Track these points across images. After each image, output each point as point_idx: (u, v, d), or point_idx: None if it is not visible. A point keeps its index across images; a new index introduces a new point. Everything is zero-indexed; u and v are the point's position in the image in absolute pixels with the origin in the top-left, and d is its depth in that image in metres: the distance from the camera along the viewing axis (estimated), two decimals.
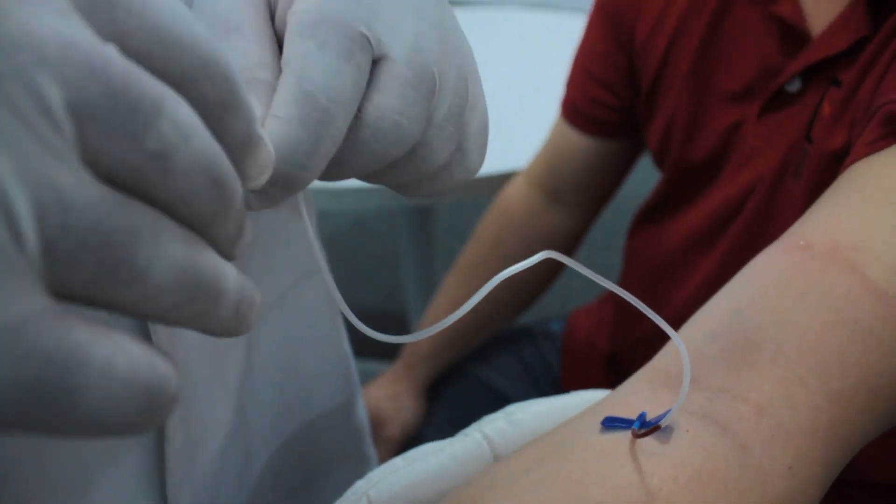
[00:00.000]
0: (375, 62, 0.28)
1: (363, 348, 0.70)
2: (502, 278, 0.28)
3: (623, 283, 0.83)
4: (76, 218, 0.17)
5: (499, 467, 0.36)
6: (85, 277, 0.18)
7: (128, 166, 0.19)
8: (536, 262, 0.28)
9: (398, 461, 0.39)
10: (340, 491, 0.39)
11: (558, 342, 0.93)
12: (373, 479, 0.38)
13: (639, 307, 0.31)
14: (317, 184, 0.50)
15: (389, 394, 0.91)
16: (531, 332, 0.95)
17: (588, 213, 0.87)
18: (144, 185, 0.19)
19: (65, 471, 0.32)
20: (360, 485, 0.38)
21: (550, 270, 0.90)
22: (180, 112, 0.19)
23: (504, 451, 0.39)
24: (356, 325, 0.30)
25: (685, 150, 0.70)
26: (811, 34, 0.61)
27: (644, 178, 0.97)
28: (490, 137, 0.34)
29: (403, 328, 1.84)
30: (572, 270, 0.30)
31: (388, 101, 0.28)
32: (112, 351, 0.18)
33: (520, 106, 1.31)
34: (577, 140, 0.81)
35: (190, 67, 0.21)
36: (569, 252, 0.89)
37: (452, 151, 0.31)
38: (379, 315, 2.05)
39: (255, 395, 0.45)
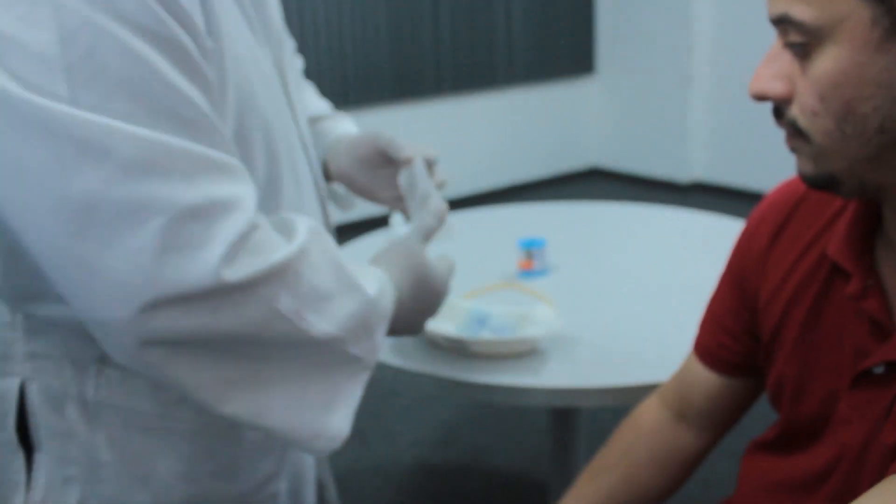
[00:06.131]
0: None
1: None
2: None
3: (738, 497, 0.90)
4: None
5: None
6: None
7: None
8: None
9: None
10: None
11: None
12: None
13: None
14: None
15: None
16: None
17: (711, 435, 0.95)
18: None
19: None
20: None
21: (677, 480, 0.95)
22: None
23: None
24: None
25: (794, 407, 0.79)
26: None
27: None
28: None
29: None
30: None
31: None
32: None
33: (664, 319, 1.35)
34: (705, 374, 0.91)
35: None
36: (691, 467, 0.95)
37: None
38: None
39: None
